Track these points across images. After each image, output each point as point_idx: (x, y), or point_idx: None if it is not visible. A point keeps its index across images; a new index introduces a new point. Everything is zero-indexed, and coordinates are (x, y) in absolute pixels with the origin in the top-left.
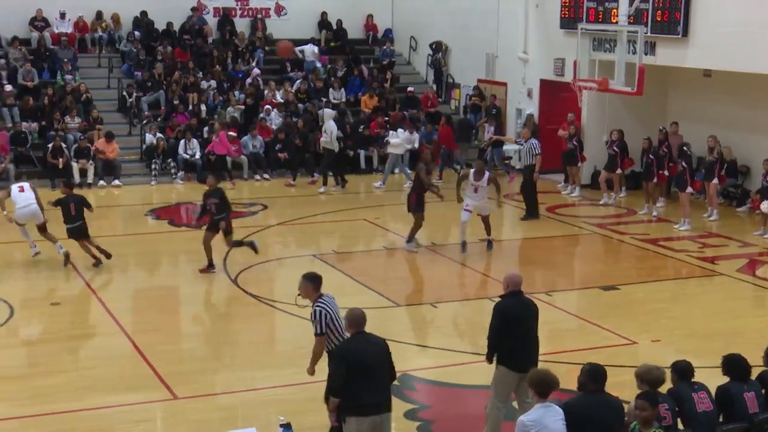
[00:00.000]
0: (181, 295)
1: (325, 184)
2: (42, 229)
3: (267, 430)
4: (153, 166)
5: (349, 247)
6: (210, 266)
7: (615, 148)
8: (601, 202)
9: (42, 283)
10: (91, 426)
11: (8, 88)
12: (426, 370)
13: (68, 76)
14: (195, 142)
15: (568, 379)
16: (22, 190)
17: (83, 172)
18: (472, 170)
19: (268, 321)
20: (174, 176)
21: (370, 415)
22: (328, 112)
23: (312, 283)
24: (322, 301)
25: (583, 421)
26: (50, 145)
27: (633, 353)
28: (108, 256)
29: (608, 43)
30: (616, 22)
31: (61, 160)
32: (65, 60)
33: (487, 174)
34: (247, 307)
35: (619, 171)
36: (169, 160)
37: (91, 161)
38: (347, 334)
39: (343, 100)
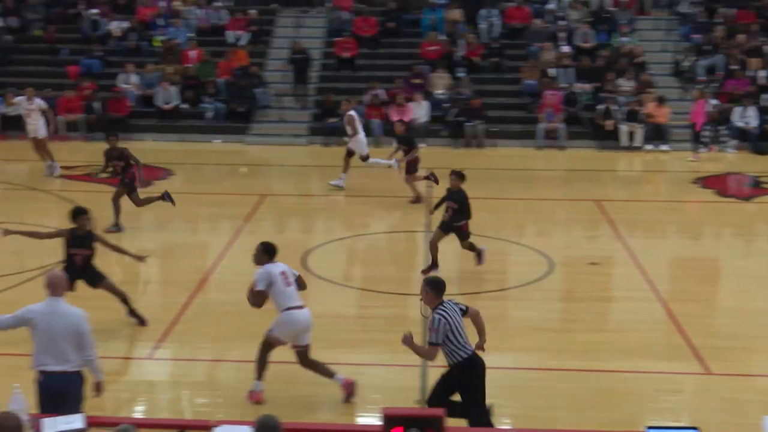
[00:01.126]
0: (721, 267)
1: None
2: (364, 159)
3: None
4: (704, 133)
5: None
6: (433, 266)
7: None
8: None
9: (582, 243)
10: (624, 387)
11: (565, 49)
12: None
13: (624, 38)
14: (753, 109)
15: None
16: None
17: (631, 135)
18: None
19: None
20: (725, 144)
21: None
22: None
23: (434, 289)
24: (443, 307)
25: None
26: (601, 107)
27: None
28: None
29: None
30: None
31: (609, 122)
32: (623, 22)
33: None
34: None
35: None
36: (722, 127)
37: (641, 125)
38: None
39: None
